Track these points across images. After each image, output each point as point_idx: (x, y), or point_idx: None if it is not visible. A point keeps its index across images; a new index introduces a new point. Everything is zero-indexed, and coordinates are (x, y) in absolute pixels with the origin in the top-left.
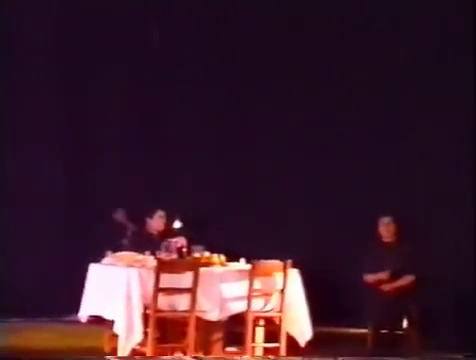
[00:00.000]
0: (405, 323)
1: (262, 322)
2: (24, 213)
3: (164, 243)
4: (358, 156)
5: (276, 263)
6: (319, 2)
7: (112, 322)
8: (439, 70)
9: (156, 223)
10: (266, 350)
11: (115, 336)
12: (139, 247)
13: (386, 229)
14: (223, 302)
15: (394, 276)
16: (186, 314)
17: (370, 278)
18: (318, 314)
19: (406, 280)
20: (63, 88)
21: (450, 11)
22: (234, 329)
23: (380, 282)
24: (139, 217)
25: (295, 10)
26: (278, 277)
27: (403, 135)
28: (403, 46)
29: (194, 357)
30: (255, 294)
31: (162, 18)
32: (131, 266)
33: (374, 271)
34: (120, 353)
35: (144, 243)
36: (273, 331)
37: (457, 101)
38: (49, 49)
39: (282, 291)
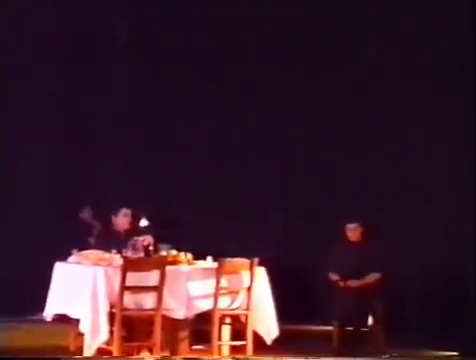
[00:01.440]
0: (370, 320)
1: (229, 320)
2: None
3: (131, 241)
4: (326, 156)
5: (243, 261)
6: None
7: (78, 321)
8: (408, 71)
9: (121, 221)
10: (233, 348)
11: (81, 335)
12: (105, 245)
13: (352, 232)
14: (190, 300)
15: (359, 274)
16: (152, 312)
17: (333, 275)
18: (284, 312)
19: (371, 278)
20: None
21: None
22: (201, 327)
23: (343, 279)
24: (106, 215)
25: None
26: (245, 275)
27: (371, 137)
28: (371, 46)
29: (162, 357)
30: (222, 292)
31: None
32: (97, 264)
33: (339, 269)
34: (86, 352)
35: (110, 241)
36: (240, 329)
37: (425, 103)
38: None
39: (249, 289)
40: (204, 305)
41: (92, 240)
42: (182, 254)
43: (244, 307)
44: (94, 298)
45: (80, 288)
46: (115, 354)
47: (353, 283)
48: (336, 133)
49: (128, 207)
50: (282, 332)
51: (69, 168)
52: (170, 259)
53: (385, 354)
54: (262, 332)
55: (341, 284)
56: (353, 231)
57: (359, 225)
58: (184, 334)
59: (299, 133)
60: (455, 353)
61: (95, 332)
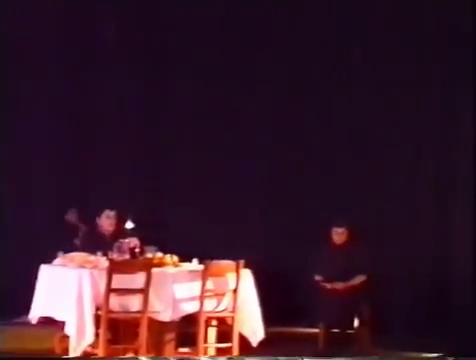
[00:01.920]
0: (356, 322)
1: (214, 322)
2: None
3: (116, 244)
4: (311, 160)
5: (229, 263)
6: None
7: (63, 323)
8: (388, 72)
9: (104, 222)
10: (218, 350)
11: (66, 337)
12: (91, 248)
13: (338, 236)
14: (175, 303)
15: (345, 277)
16: (138, 315)
17: (319, 278)
18: (270, 314)
19: (357, 280)
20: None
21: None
22: (187, 329)
23: (330, 282)
24: (91, 218)
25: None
26: (231, 277)
27: (356, 140)
28: (354, 46)
29: (153, 357)
30: (207, 294)
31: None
32: (83, 267)
33: (325, 272)
34: (71, 354)
35: (96, 244)
36: (225, 331)
37: (410, 104)
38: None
39: (235, 291)
40: (190, 307)
41: (78, 242)
42: (168, 256)
43: (230, 309)
44: (79, 300)
45: (65, 291)
46: (100, 356)
47: (339, 285)
48: (322, 137)
49: (112, 209)
50: (268, 334)
51: (54, 170)
52: (156, 261)
53: (372, 356)
54: (248, 334)
55: (327, 286)
56: (340, 235)
57: (345, 229)
58: (170, 336)
59: (285, 137)
60: (438, 355)
61: (81, 335)
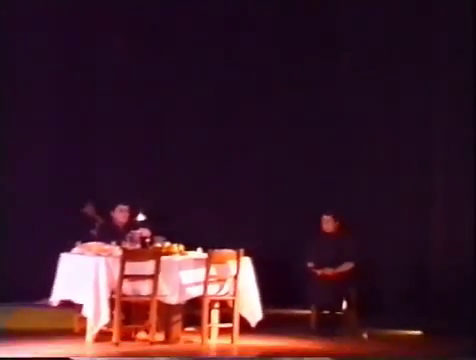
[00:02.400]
0: (344, 305)
1: (217, 305)
2: (2, 208)
3: (129, 234)
4: (308, 153)
5: (230, 252)
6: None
7: (81, 306)
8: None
9: (118, 216)
10: (221, 330)
11: (84, 318)
12: (106, 238)
13: (326, 224)
14: (182, 287)
15: (334, 264)
16: (148, 298)
17: (311, 264)
18: (267, 297)
19: (346, 267)
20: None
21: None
22: (192, 311)
23: (321, 269)
24: (106, 211)
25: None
26: (232, 265)
27: (351, 136)
28: (345, 51)
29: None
30: (211, 280)
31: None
32: (99, 255)
33: (316, 259)
34: (89, 334)
35: (111, 234)
36: (227, 313)
37: (399, 103)
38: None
39: (235, 277)
40: (195, 291)
41: (94, 233)
42: (175, 246)
43: (231, 293)
44: (96, 285)
45: (83, 276)
46: (115, 335)
47: (329, 271)
48: (320, 131)
49: (125, 203)
50: (265, 315)
51: (71, 168)
52: (164, 250)
53: (362, 334)
54: (247, 315)
55: (318, 272)
56: (327, 222)
57: (333, 217)
58: (177, 318)
59: (282, 134)
60: (419, 332)
61: (97, 316)
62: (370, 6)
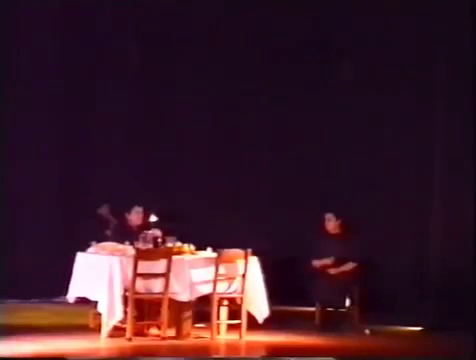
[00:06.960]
0: (347, 302)
1: (226, 302)
2: (23, 209)
3: (141, 235)
4: (312, 156)
5: (238, 252)
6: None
7: (96, 303)
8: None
9: (134, 217)
10: (229, 326)
11: (99, 315)
12: (120, 238)
13: (329, 223)
14: (192, 285)
15: (338, 262)
16: (160, 296)
17: (316, 263)
18: (274, 295)
19: (348, 266)
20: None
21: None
22: (202, 308)
23: (325, 267)
24: (120, 212)
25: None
26: (240, 264)
27: (354, 139)
28: (344, 60)
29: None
30: (220, 278)
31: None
32: (113, 254)
33: (320, 258)
34: (103, 329)
35: (124, 234)
36: (235, 310)
37: (399, 103)
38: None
39: (243, 276)
40: (205, 289)
41: (109, 233)
42: (186, 245)
43: (239, 291)
44: (110, 283)
45: (98, 275)
46: (128, 331)
47: (332, 271)
48: (323, 133)
49: (140, 205)
50: (272, 312)
51: (86, 170)
52: (175, 250)
53: (364, 330)
54: (255, 312)
55: (322, 271)
56: (328, 221)
57: (334, 216)
58: (187, 314)
59: (289, 135)
60: (419, 328)
61: (111, 312)
62: (370, 6)
